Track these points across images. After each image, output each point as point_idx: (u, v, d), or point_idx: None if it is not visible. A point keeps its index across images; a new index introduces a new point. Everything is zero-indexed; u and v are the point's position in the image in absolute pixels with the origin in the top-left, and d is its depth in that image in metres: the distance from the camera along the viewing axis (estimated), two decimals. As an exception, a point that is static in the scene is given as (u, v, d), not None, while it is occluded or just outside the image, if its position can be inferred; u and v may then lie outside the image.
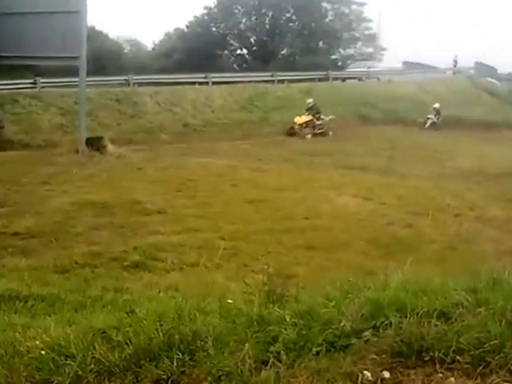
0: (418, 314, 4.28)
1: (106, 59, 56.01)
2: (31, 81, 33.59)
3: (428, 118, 39.19)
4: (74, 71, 26.51)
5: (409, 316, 4.27)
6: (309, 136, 32.49)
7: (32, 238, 11.85)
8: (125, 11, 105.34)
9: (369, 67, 51.50)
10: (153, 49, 77.10)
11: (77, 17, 22.87)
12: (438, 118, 39.41)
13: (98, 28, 61.96)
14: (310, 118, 33.43)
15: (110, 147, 23.57)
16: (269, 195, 16.81)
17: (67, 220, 13.28)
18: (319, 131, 33.22)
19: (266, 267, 5.76)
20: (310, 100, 34.40)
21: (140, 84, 37.44)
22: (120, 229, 12.68)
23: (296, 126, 32.84)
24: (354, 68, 51.79)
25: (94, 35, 53.79)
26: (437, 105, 39.84)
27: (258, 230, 12.97)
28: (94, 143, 22.94)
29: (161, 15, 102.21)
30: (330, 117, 33.71)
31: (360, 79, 48.54)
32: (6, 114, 28.38)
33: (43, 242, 11.46)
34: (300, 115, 33.41)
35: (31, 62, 29.68)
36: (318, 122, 33.53)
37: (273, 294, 5.17)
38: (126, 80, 37.61)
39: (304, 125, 33.05)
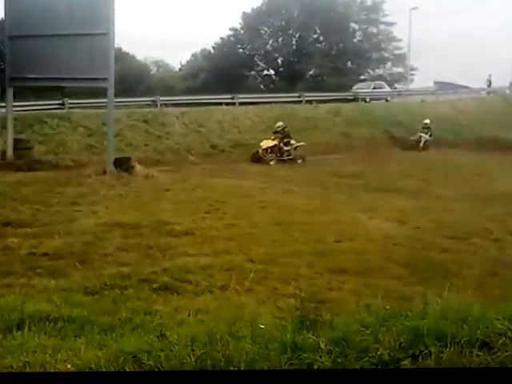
0: (458, 343, 4.19)
1: (133, 80, 56.62)
2: (59, 102, 33.82)
3: (421, 137, 37.75)
4: (101, 92, 26.72)
5: (449, 345, 4.18)
6: (272, 162, 30.61)
7: (61, 258, 11.85)
8: (152, 32, 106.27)
9: (374, 88, 50.32)
10: (180, 70, 77.84)
11: (105, 39, 23.01)
12: (430, 136, 37.99)
13: (125, 49, 62.66)
14: (274, 142, 31.40)
15: (138, 168, 23.61)
16: (298, 217, 16.67)
17: (96, 241, 13.25)
18: (287, 158, 31.47)
19: (297, 292, 5.68)
20: (280, 123, 32.38)
21: (167, 105, 37.50)
22: (149, 250, 12.64)
23: (260, 151, 30.97)
24: (357, 89, 50.34)
25: (122, 56, 54.45)
26: (427, 121, 38.43)
27: (288, 253, 12.83)
28: (122, 164, 22.97)
29: (187, 36, 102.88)
30: (301, 143, 31.89)
31: (365, 101, 46.75)
32: (35, 135, 28.51)
33: (72, 262, 11.45)
34: (267, 138, 31.61)
35: (59, 84, 29.90)
36: (286, 148, 31.65)
37: (306, 320, 5.08)
38: (153, 101, 37.71)
39: (269, 150, 31.07)
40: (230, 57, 68.14)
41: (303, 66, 69.57)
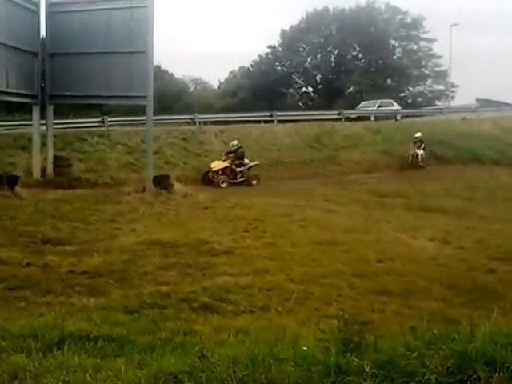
0: (508, 368, 4.06)
1: (172, 98, 57.14)
2: (99, 119, 34.17)
3: (416, 151, 35.72)
4: (140, 110, 26.91)
5: (498, 370, 4.05)
6: (224, 185, 29.05)
7: (100, 276, 11.84)
8: (190, 50, 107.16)
9: (379, 106, 49.48)
10: (218, 87, 78.35)
11: (143, 57, 23.29)
12: (423, 149, 35.99)
13: (163, 67, 63.24)
14: (226, 164, 29.88)
15: (177, 186, 23.75)
16: (338, 237, 16.48)
17: (135, 259, 13.22)
18: (240, 180, 30.05)
19: (341, 313, 5.58)
20: (235, 142, 31.07)
21: (206, 122, 37.68)
22: (188, 269, 12.58)
23: (210, 173, 29.59)
24: (362, 107, 49.73)
25: (160, 74, 54.97)
26: (418, 134, 36.20)
27: (329, 273, 12.67)
28: (161, 182, 23.13)
29: (225, 54, 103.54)
30: (255, 162, 30.87)
31: (369, 119, 45.52)
32: (74, 153, 28.81)
33: (111, 281, 11.43)
34: (219, 159, 30.42)
35: (98, 102, 30.32)
36: (238, 169, 30.16)
37: (350, 342, 4.97)
38: (191, 119, 37.97)
39: (220, 172, 29.65)
40: (269, 74, 68.46)
41: (342, 83, 69.58)
